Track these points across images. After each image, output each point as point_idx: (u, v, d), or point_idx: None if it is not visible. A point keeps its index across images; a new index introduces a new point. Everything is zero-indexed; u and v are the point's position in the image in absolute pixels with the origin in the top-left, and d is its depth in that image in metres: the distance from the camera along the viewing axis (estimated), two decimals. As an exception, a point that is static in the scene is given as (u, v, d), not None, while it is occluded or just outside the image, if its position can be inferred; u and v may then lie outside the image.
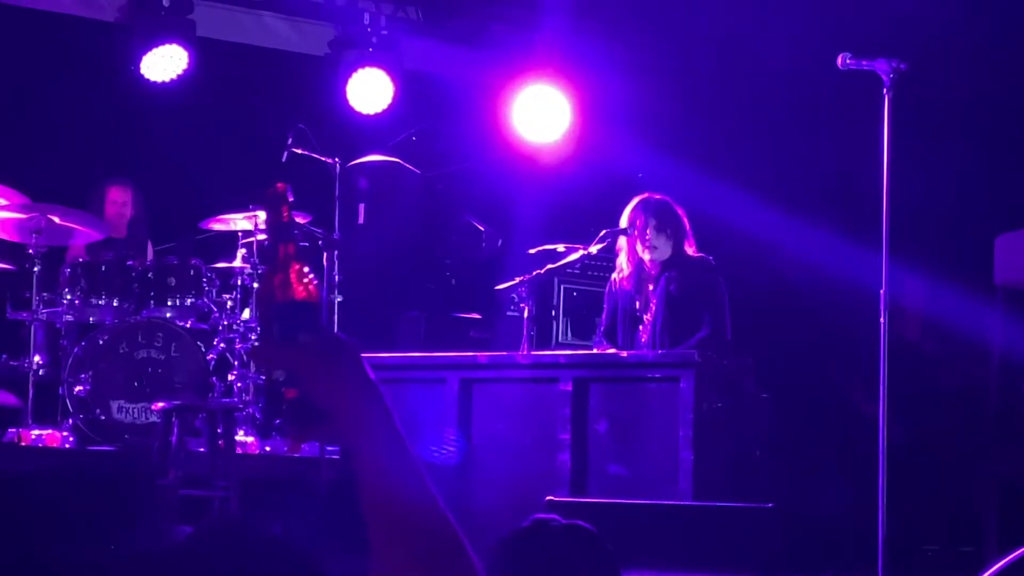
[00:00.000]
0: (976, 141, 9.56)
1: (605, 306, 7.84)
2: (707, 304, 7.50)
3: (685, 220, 7.65)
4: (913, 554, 9.00)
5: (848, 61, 6.80)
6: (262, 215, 8.94)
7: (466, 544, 1.86)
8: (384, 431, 1.87)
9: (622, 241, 7.67)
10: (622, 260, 7.70)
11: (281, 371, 1.87)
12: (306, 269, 1.92)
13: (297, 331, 1.87)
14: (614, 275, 7.79)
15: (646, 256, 7.58)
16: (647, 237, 7.55)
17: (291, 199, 1.96)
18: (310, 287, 1.90)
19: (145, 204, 9.64)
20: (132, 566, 1.94)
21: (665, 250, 7.59)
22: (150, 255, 9.49)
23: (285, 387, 1.86)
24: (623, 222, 7.63)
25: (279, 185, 1.97)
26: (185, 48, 9.59)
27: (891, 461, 6.65)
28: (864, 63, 6.79)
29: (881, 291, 6.73)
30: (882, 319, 6.69)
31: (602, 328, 7.81)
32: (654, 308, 7.55)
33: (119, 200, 9.48)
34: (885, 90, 6.79)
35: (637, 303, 7.64)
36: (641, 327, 7.61)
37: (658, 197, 7.68)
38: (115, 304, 8.66)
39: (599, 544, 2.54)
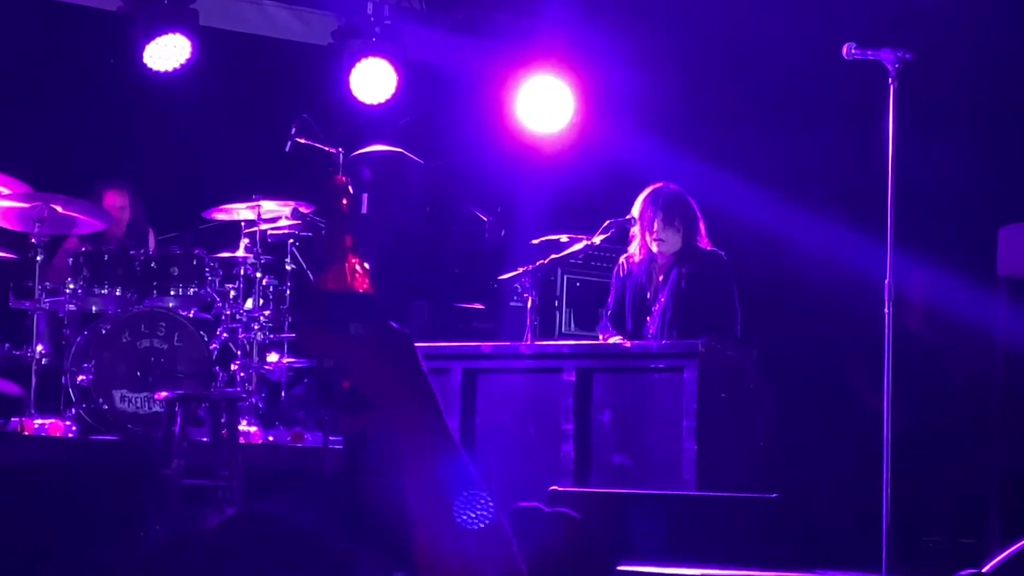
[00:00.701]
0: (981, 132, 9.54)
1: (612, 290, 7.81)
2: (718, 302, 7.48)
3: (697, 212, 7.62)
4: (916, 545, 8.99)
5: (854, 51, 6.79)
6: (265, 204, 8.94)
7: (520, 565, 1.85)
8: (433, 425, 1.87)
9: (635, 229, 7.65)
10: (634, 247, 7.68)
11: (332, 361, 1.88)
12: (363, 262, 1.93)
13: (350, 321, 1.88)
14: (622, 258, 7.77)
15: (654, 248, 7.56)
16: (654, 230, 7.53)
17: (352, 192, 1.97)
18: (365, 279, 1.91)
19: (144, 205, 9.62)
20: (159, 554, 1.93)
21: (674, 242, 7.56)
22: (152, 246, 9.48)
23: (337, 377, 1.87)
24: (634, 211, 7.61)
25: (339, 178, 1.99)
26: (188, 38, 9.58)
27: (894, 451, 6.65)
28: (869, 53, 6.78)
29: (886, 281, 6.72)
30: (886, 309, 6.68)
31: (609, 313, 7.78)
32: (664, 300, 7.54)
33: (116, 204, 9.46)
34: (890, 80, 6.78)
35: (648, 293, 7.62)
36: (649, 317, 7.59)
37: (670, 188, 7.64)
38: (118, 293, 8.65)
39: (585, 531, 2.53)
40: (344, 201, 1.96)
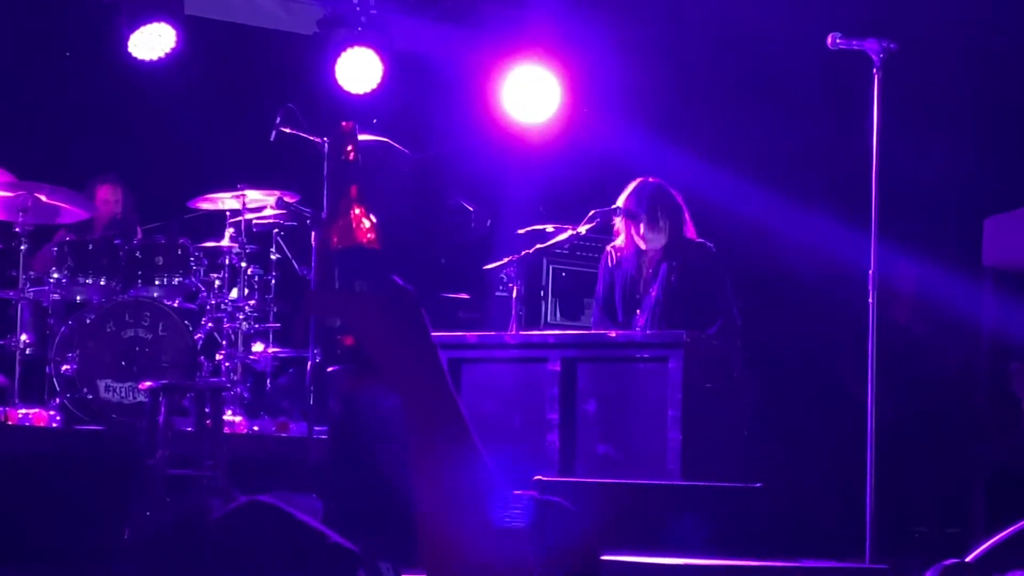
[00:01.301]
0: (966, 122, 9.55)
1: (600, 280, 7.79)
2: (713, 294, 7.48)
3: (682, 204, 7.61)
4: (901, 535, 9.01)
5: (838, 41, 6.78)
6: (250, 194, 8.92)
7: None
8: (436, 386, 1.83)
9: (618, 221, 7.64)
10: (621, 239, 7.66)
11: (337, 318, 1.82)
12: (369, 215, 1.85)
13: (355, 277, 1.82)
14: (610, 248, 7.76)
15: (643, 245, 7.57)
16: (640, 231, 7.54)
17: (358, 138, 1.89)
18: (371, 232, 1.84)
19: (135, 200, 9.60)
20: (162, 542, 1.92)
21: (660, 238, 7.56)
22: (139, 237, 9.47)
23: (341, 334, 1.81)
24: (619, 203, 7.60)
25: (346, 124, 1.90)
26: (173, 26, 9.54)
27: (879, 442, 6.66)
28: (854, 43, 6.78)
29: (870, 271, 6.72)
30: (871, 299, 6.69)
31: (599, 302, 7.77)
32: (654, 294, 7.53)
33: (110, 199, 9.45)
34: (875, 70, 6.78)
35: (638, 286, 7.61)
36: (639, 310, 7.59)
37: (653, 183, 7.63)
38: (102, 283, 8.64)
39: (575, 521, 2.51)
40: (350, 148, 1.87)
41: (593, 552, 2.57)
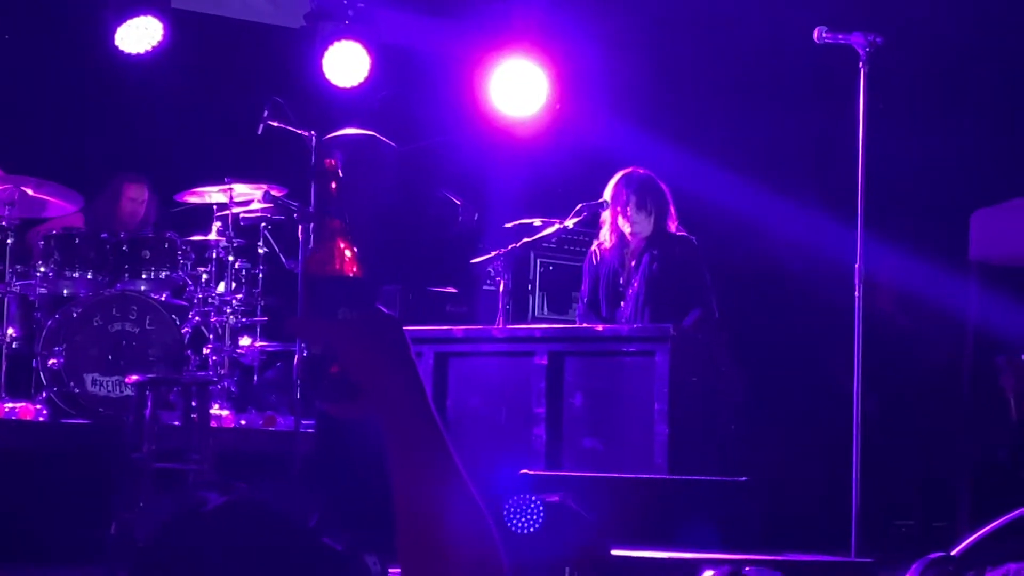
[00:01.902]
0: (953, 116, 9.57)
1: (585, 277, 7.81)
2: (693, 286, 7.49)
3: (669, 196, 7.63)
4: (887, 529, 9.03)
5: (824, 35, 6.79)
6: (237, 187, 8.91)
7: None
8: (419, 411, 1.85)
9: (605, 214, 7.65)
10: (605, 232, 7.68)
11: (320, 346, 1.85)
12: (352, 246, 1.91)
13: (338, 306, 1.86)
14: (594, 246, 7.77)
15: (627, 229, 7.56)
16: (627, 213, 7.54)
17: (341, 175, 1.96)
18: (353, 263, 1.89)
19: (159, 202, 9.56)
20: (156, 534, 1.92)
21: (646, 226, 7.56)
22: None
23: (325, 362, 1.85)
24: (606, 195, 7.62)
25: (329, 161, 1.98)
26: (160, 20, 9.52)
27: (865, 436, 6.67)
28: (840, 37, 6.79)
29: (856, 265, 6.73)
30: (856, 293, 6.70)
31: (584, 300, 7.78)
32: (636, 285, 7.54)
33: (136, 197, 9.42)
34: (861, 64, 6.78)
35: (620, 278, 7.62)
36: (623, 302, 7.60)
37: (641, 172, 7.65)
38: (89, 277, 8.63)
39: (582, 520, 2.51)
40: (333, 185, 1.94)
41: (603, 549, 2.56)
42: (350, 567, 1.89)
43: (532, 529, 2.09)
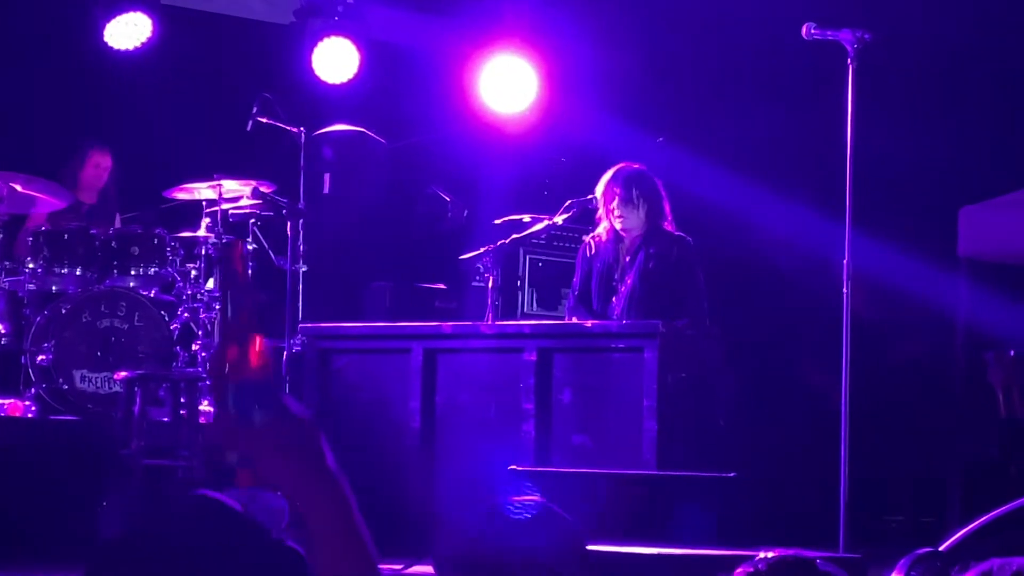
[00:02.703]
0: (941, 112, 9.57)
1: (578, 270, 7.78)
2: (686, 289, 7.48)
3: (662, 192, 7.59)
4: (876, 525, 9.04)
5: (813, 31, 6.79)
6: (226, 184, 8.89)
7: None
8: (342, 522, 1.79)
9: (601, 210, 7.63)
10: (601, 228, 7.65)
11: (235, 453, 1.76)
12: (263, 337, 1.78)
13: (253, 409, 1.75)
14: (588, 238, 7.74)
15: (618, 224, 7.55)
16: (613, 207, 7.52)
17: (248, 256, 1.82)
18: (267, 360, 1.78)
19: (119, 176, 9.57)
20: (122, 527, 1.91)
21: (635, 221, 7.53)
22: (117, 224, 9.43)
23: (239, 468, 1.76)
24: (597, 191, 7.60)
25: (239, 245, 1.88)
26: (149, 16, 9.51)
27: (854, 432, 6.67)
28: (829, 33, 6.79)
29: (844, 261, 6.74)
30: (844, 289, 6.70)
31: (575, 292, 7.76)
32: (630, 282, 7.52)
33: (100, 163, 9.41)
34: (849, 60, 6.79)
35: (615, 273, 7.61)
36: (615, 297, 7.59)
37: (633, 167, 7.62)
38: (78, 273, 8.61)
39: (560, 520, 2.49)
40: (240, 267, 1.80)
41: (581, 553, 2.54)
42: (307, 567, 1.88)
43: (526, 517, 2.08)
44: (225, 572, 1.84)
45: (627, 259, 7.58)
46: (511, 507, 2.06)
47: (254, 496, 1.96)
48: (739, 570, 2.66)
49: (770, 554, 2.72)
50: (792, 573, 2.67)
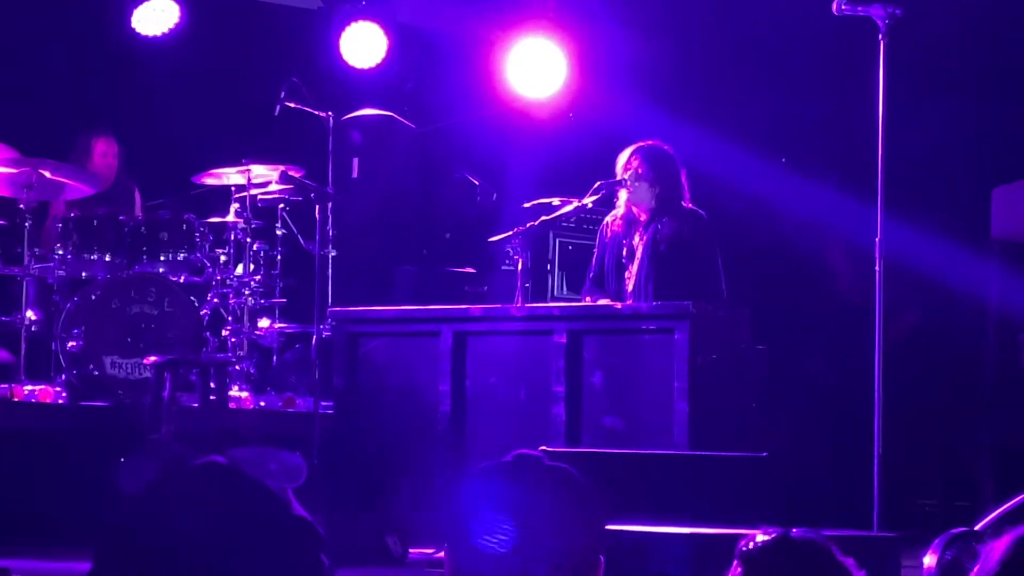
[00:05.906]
0: (974, 90, 9.48)
1: (595, 252, 7.79)
2: (703, 265, 7.45)
3: (679, 169, 7.57)
4: (909, 507, 8.98)
5: (843, 7, 6.72)
6: (255, 169, 8.88)
7: None
8: None
9: (623, 193, 7.62)
10: (619, 209, 7.65)
11: None
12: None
13: None
14: (607, 219, 7.74)
15: (629, 198, 7.54)
16: (625, 179, 7.51)
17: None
18: None
19: (128, 157, 9.56)
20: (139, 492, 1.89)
21: (645, 195, 7.51)
22: (138, 207, 9.44)
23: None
24: (618, 167, 7.59)
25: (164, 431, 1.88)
26: (176, 1, 9.52)
27: (887, 414, 6.62)
28: (859, 9, 6.72)
29: (876, 239, 6.68)
30: (877, 268, 6.65)
31: (591, 274, 7.76)
32: (640, 259, 7.51)
33: (109, 152, 9.42)
34: (880, 36, 6.72)
35: (625, 251, 7.60)
36: (627, 275, 7.57)
37: (650, 144, 7.61)
38: (107, 259, 8.63)
39: (583, 490, 2.44)
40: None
41: (600, 522, 2.49)
42: (319, 536, 1.86)
43: (501, 551, 2.05)
44: (233, 546, 1.82)
45: (637, 237, 7.56)
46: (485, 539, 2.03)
47: (270, 454, 1.93)
48: (741, 543, 2.53)
49: (763, 537, 2.51)
50: (795, 559, 2.50)
